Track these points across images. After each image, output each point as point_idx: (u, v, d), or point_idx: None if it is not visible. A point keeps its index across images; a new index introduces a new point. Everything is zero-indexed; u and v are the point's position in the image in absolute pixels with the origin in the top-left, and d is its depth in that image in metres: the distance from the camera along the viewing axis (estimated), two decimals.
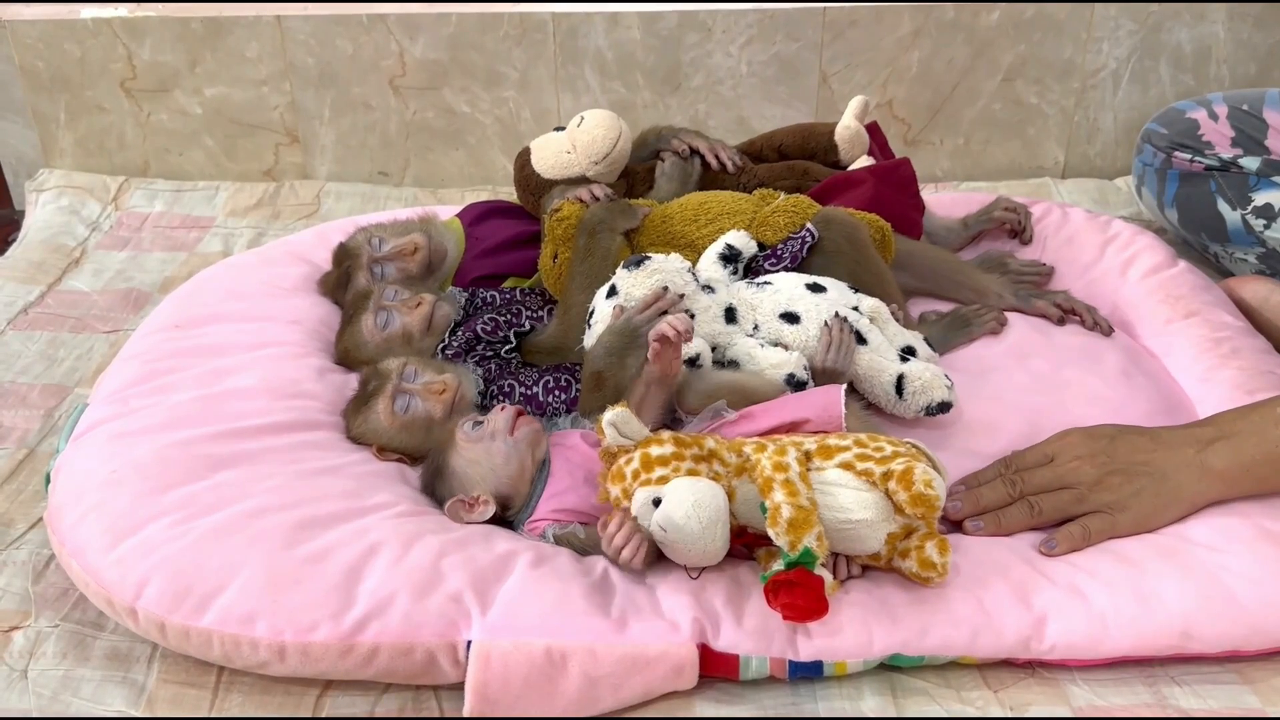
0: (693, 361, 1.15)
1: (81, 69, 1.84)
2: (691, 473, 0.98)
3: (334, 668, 0.95)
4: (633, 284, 1.17)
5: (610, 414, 1.00)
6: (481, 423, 1.10)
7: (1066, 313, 1.36)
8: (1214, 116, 1.51)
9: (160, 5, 1.83)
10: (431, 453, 1.13)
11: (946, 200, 1.62)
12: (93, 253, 1.69)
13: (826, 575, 0.94)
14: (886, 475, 0.95)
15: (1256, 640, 0.97)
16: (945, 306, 1.38)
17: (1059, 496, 1.06)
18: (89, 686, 0.98)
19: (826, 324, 1.17)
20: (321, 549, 1.00)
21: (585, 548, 1.04)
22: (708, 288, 1.20)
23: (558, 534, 1.05)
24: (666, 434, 1.01)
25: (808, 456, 0.98)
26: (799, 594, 0.91)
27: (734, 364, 1.17)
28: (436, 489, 1.11)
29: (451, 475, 1.10)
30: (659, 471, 0.98)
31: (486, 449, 1.08)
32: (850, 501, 0.95)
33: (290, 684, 0.98)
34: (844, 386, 1.09)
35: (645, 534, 0.99)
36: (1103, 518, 1.04)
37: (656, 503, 0.97)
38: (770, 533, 0.93)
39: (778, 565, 0.92)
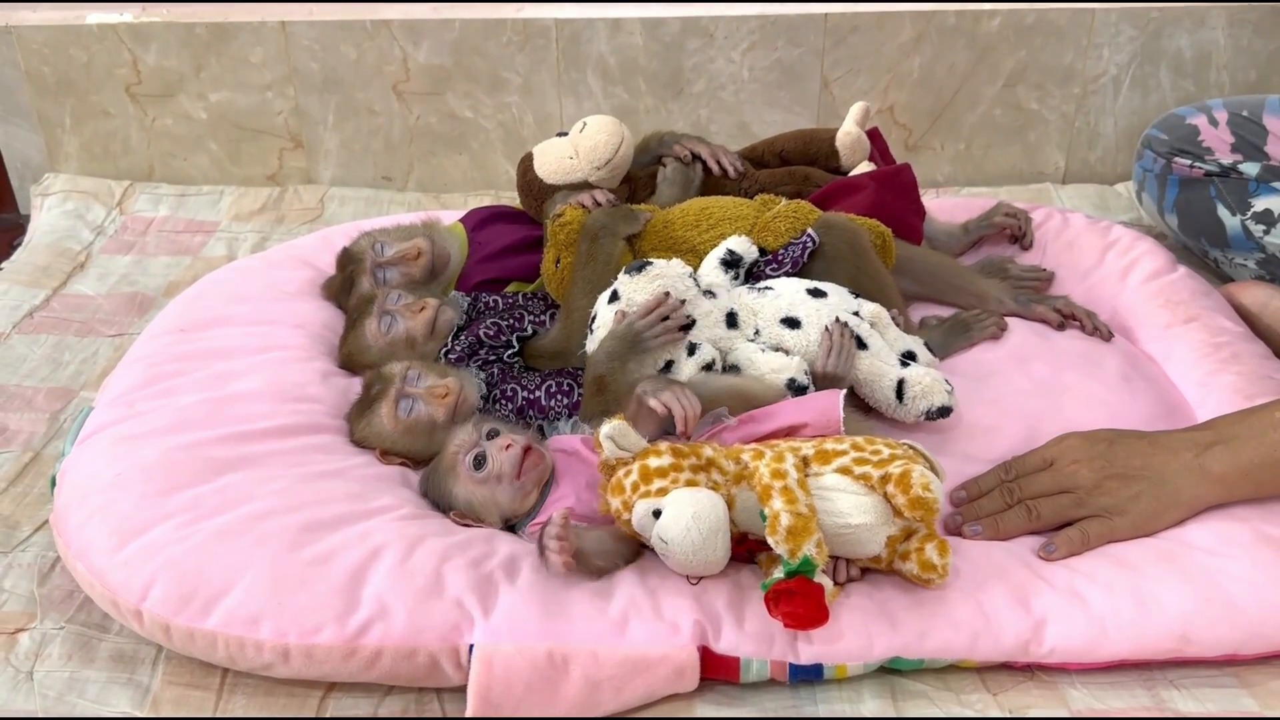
0: (709, 366, 1.15)
1: (87, 74, 1.85)
2: (690, 483, 0.99)
3: (337, 670, 0.95)
4: (635, 289, 1.18)
5: (607, 427, 1.01)
6: (485, 460, 1.07)
7: (1066, 317, 1.37)
8: (1214, 122, 1.51)
9: (165, 11, 1.84)
10: (435, 476, 1.12)
11: (947, 205, 1.63)
12: (97, 257, 1.69)
13: (827, 581, 0.94)
14: (885, 479, 0.96)
15: (1254, 644, 0.98)
16: (945, 311, 1.39)
17: (1057, 501, 1.07)
18: (94, 688, 0.98)
19: (827, 329, 1.18)
20: (326, 552, 1.00)
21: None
22: (709, 293, 1.20)
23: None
24: (664, 444, 1.01)
25: (805, 462, 0.99)
26: (799, 603, 0.92)
27: (735, 369, 1.18)
28: (440, 504, 1.12)
29: (455, 500, 1.10)
30: (658, 483, 0.99)
31: (492, 491, 1.08)
32: (849, 506, 0.96)
33: (293, 686, 0.98)
34: (843, 391, 1.09)
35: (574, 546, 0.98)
36: (1101, 522, 1.05)
37: (657, 514, 0.98)
38: (769, 540, 0.93)
39: (778, 573, 0.93)
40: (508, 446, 1.07)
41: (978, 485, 1.11)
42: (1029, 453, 1.12)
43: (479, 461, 1.08)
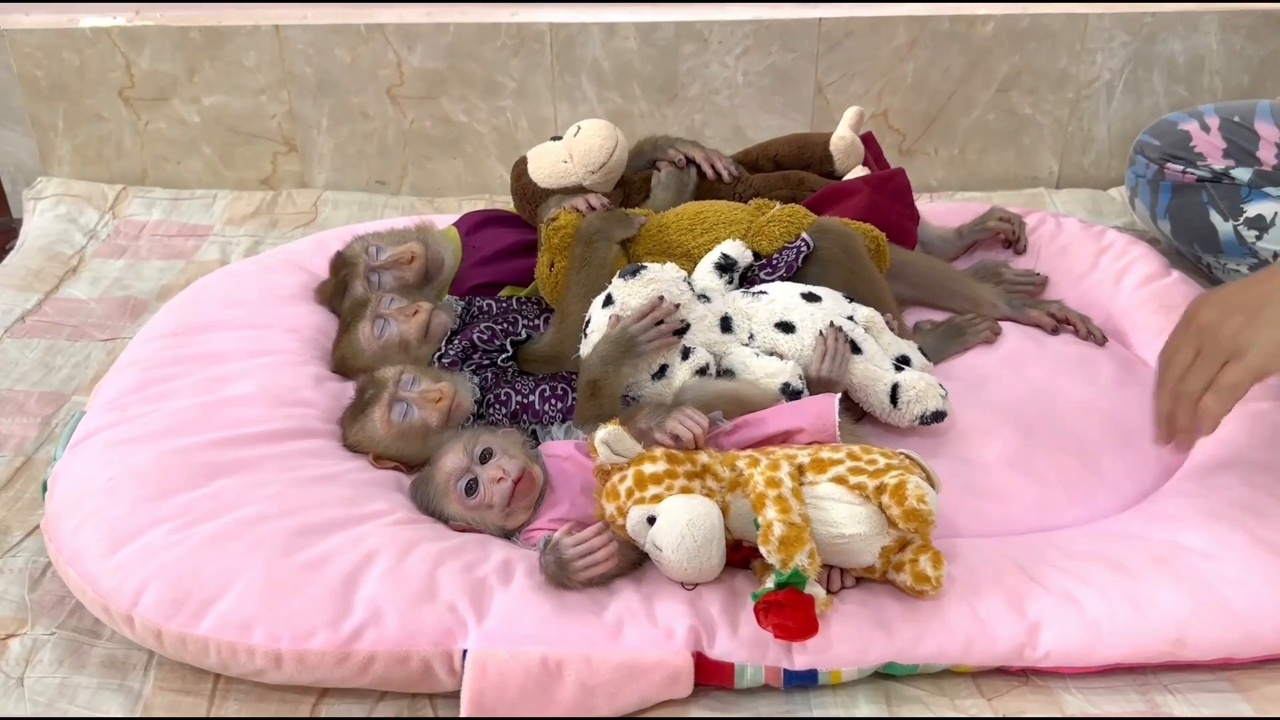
0: (703, 371, 1.15)
1: (80, 77, 1.85)
2: (685, 490, 0.99)
3: (330, 675, 0.95)
4: (629, 293, 1.18)
5: (602, 432, 1.00)
6: (476, 488, 1.07)
7: (1060, 322, 1.37)
8: (1206, 128, 1.51)
9: (159, 14, 1.84)
10: (426, 493, 1.11)
11: (941, 210, 1.63)
12: (90, 260, 1.69)
13: (819, 591, 0.94)
14: (880, 489, 0.95)
15: (1249, 647, 0.98)
16: (940, 316, 1.39)
17: (1226, 371, 0.98)
18: (85, 694, 0.98)
19: (821, 333, 1.18)
20: (319, 556, 1.00)
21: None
22: (703, 297, 1.20)
23: (550, 540, 1.05)
24: (659, 451, 1.01)
25: (801, 470, 0.99)
26: (789, 614, 0.92)
27: (729, 373, 1.18)
28: (432, 515, 1.11)
29: (448, 516, 1.10)
30: (652, 490, 0.98)
31: (482, 515, 1.08)
32: (843, 516, 0.96)
33: (286, 691, 0.98)
34: (838, 396, 1.09)
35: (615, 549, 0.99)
36: (1234, 367, 0.98)
37: (652, 521, 0.97)
38: (762, 550, 0.93)
39: (768, 583, 0.93)
40: (499, 480, 1.06)
41: (1164, 416, 1.04)
42: (1174, 343, 1.04)
43: (470, 488, 1.07)
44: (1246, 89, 1.86)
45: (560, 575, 0.99)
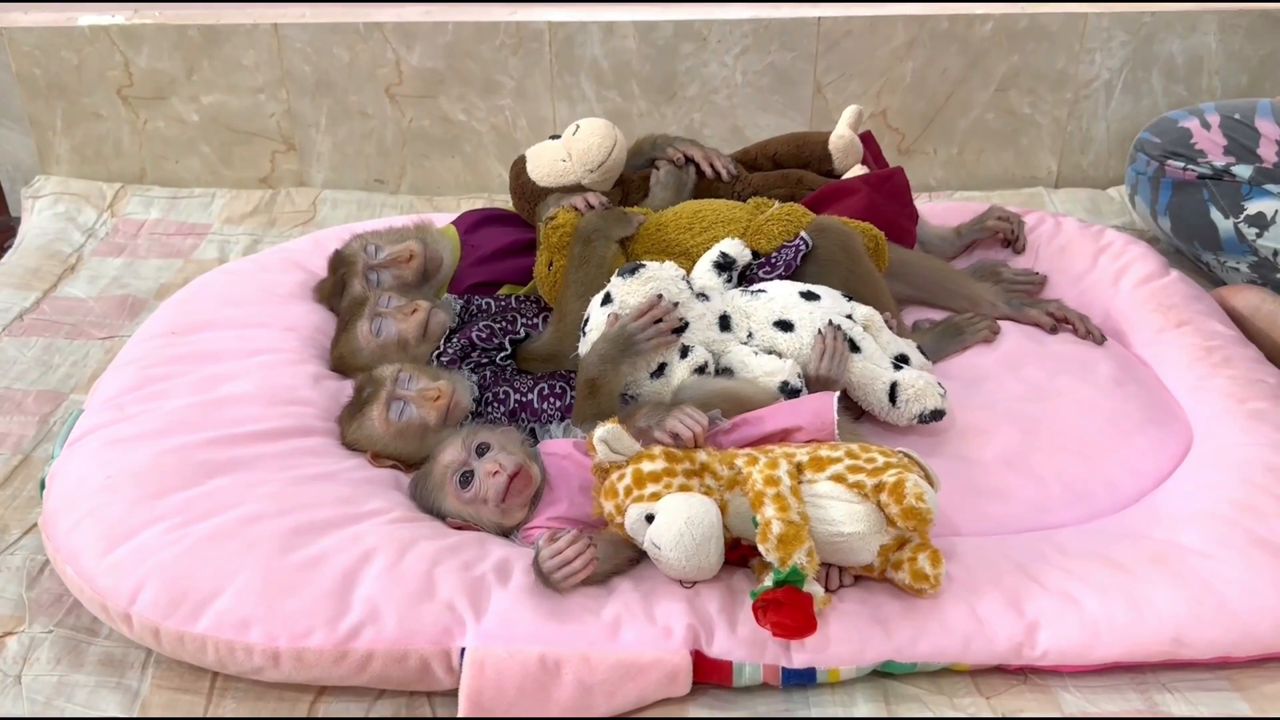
0: (701, 369, 1.15)
1: (79, 76, 1.85)
2: (684, 488, 0.99)
3: (328, 674, 0.95)
4: (628, 292, 1.17)
5: (601, 431, 1.00)
6: (471, 480, 1.07)
7: (1059, 321, 1.37)
8: (1206, 125, 1.51)
9: (157, 13, 1.83)
10: (424, 488, 1.12)
11: (940, 209, 1.63)
12: (89, 259, 1.69)
13: (817, 589, 0.94)
14: (878, 487, 0.95)
15: (1247, 646, 0.98)
16: (939, 315, 1.39)
17: None
18: (83, 692, 0.98)
19: (820, 332, 1.17)
20: (316, 555, 1.00)
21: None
22: (702, 295, 1.20)
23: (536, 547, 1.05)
24: (658, 449, 1.01)
25: (799, 469, 0.99)
26: (787, 613, 0.92)
27: (728, 371, 1.17)
28: (430, 512, 1.11)
29: (445, 511, 1.10)
30: (651, 488, 0.98)
31: (476, 510, 1.08)
32: (841, 515, 0.96)
33: (284, 689, 0.98)
34: (837, 394, 1.09)
35: (598, 553, 0.99)
36: None
37: (650, 519, 0.97)
38: (760, 548, 0.93)
39: (766, 582, 0.93)
40: (495, 473, 1.06)
41: None
42: None
43: (465, 481, 1.07)
44: (1245, 89, 1.86)
45: (548, 584, 0.99)
